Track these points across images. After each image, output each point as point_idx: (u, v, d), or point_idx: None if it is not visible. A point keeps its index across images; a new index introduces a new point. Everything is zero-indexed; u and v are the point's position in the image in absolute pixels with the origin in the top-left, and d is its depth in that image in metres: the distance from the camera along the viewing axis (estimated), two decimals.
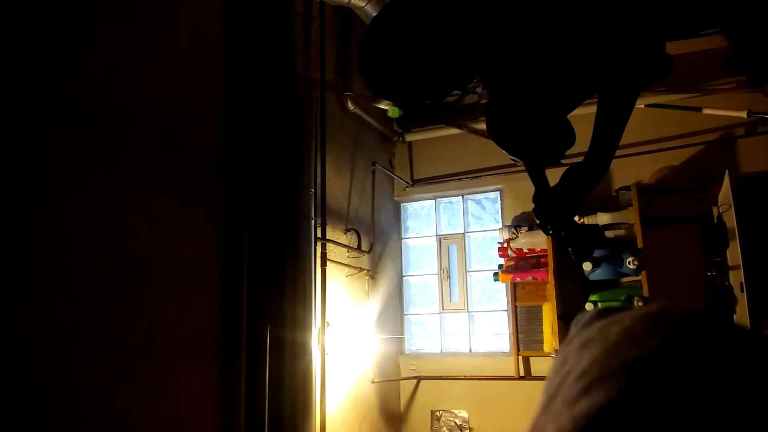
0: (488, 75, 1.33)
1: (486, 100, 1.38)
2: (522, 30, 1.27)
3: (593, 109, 1.34)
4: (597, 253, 3.38)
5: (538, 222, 1.42)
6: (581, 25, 1.26)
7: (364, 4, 3.14)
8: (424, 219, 4.48)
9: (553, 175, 1.43)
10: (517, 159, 1.44)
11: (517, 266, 3.74)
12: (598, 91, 1.34)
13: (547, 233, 1.42)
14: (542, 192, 1.41)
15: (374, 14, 3.13)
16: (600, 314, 0.37)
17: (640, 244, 3.26)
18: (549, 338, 3.53)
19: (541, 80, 1.32)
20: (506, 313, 3.95)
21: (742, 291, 2.81)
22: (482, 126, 3.88)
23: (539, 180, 1.43)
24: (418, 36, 1.23)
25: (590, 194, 1.39)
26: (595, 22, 1.26)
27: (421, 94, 1.30)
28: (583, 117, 1.47)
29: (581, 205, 1.44)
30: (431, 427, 3.94)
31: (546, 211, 1.39)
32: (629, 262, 3.24)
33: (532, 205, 1.44)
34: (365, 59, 1.27)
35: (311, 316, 2.65)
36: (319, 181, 3.00)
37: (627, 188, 3.47)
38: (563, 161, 1.49)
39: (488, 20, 1.26)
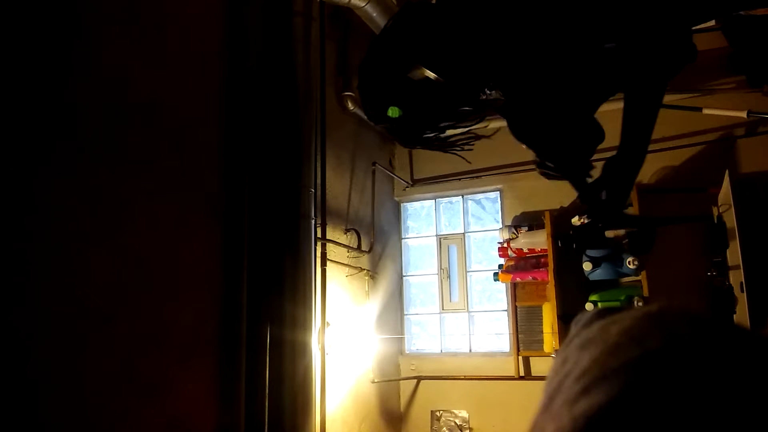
0: (504, 77, 1.27)
1: (501, 103, 1.32)
2: (537, 30, 1.21)
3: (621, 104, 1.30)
4: (597, 253, 3.38)
5: (592, 221, 1.37)
6: (601, 19, 1.21)
7: (364, 4, 3.14)
8: (424, 219, 4.48)
9: None
10: (547, 164, 1.37)
11: (517, 266, 3.74)
12: (624, 82, 1.26)
13: (604, 227, 1.37)
14: (586, 190, 1.34)
15: (374, 14, 3.16)
16: (600, 314, 0.37)
17: None
18: (549, 338, 3.52)
19: (562, 78, 1.27)
20: (506, 313, 3.95)
21: (742, 291, 2.81)
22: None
23: (578, 180, 1.35)
24: (428, 49, 1.18)
25: (632, 186, 1.34)
26: (614, 14, 1.20)
27: (430, 117, 1.25)
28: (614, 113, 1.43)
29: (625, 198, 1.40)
30: (431, 427, 3.94)
31: (599, 207, 1.32)
32: (629, 262, 3.24)
33: (578, 219, 1.40)
34: (367, 85, 1.23)
35: (311, 316, 2.64)
36: (319, 181, 3.00)
37: None
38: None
39: (502, 21, 1.20)
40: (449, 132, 1.33)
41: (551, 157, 1.35)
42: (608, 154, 1.31)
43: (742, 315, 2.89)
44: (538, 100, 1.29)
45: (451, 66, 1.19)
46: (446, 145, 1.40)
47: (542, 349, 3.62)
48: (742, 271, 2.72)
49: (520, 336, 3.76)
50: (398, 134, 1.30)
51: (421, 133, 1.27)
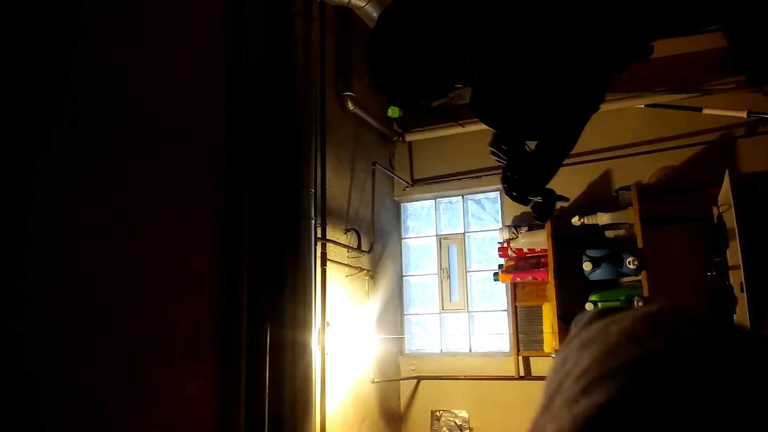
0: (478, 60, 1.43)
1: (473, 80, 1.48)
2: (508, 22, 1.38)
3: None
4: (597, 253, 3.38)
5: (513, 191, 1.57)
6: (563, 21, 1.37)
7: (364, 4, 3.14)
8: (424, 219, 4.48)
9: None
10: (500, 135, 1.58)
11: (517, 266, 3.74)
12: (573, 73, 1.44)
13: (521, 199, 1.56)
14: (521, 162, 1.55)
15: (374, 14, 3.16)
16: (600, 314, 0.37)
17: (640, 244, 3.26)
18: (549, 338, 3.53)
19: (524, 64, 1.44)
20: (506, 313, 3.95)
21: (742, 291, 2.81)
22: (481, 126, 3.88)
23: (518, 153, 1.56)
24: (420, 32, 1.36)
25: (560, 164, 1.53)
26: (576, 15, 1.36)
27: (425, 88, 1.43)
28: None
29: (555, 173, 1.56)
30: (431, 427, 3.94)
31: (525, 178, 1.53)
32: (629, 262, 3.24)
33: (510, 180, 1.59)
34: (371, 58, 1.40)
35: (311, 316, 2.64)
36: (319, 181, 3.00)
37: (627, 188, 3.47)
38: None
39: (480, 15, 1.38)
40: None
41: (505, 132, 1.57)
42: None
43: (742, 315, 2.89)
44: (501, 78, 1.47)
45: (440, 48, 1.38)
46: (437, 112, 1.81)
47: (542, 349, 3.62)
48: (742, 271, 2.72)
49: (520, 336, 3.76)
50: (399, 102, 1.58)
51: (417, 101, 1.50)
